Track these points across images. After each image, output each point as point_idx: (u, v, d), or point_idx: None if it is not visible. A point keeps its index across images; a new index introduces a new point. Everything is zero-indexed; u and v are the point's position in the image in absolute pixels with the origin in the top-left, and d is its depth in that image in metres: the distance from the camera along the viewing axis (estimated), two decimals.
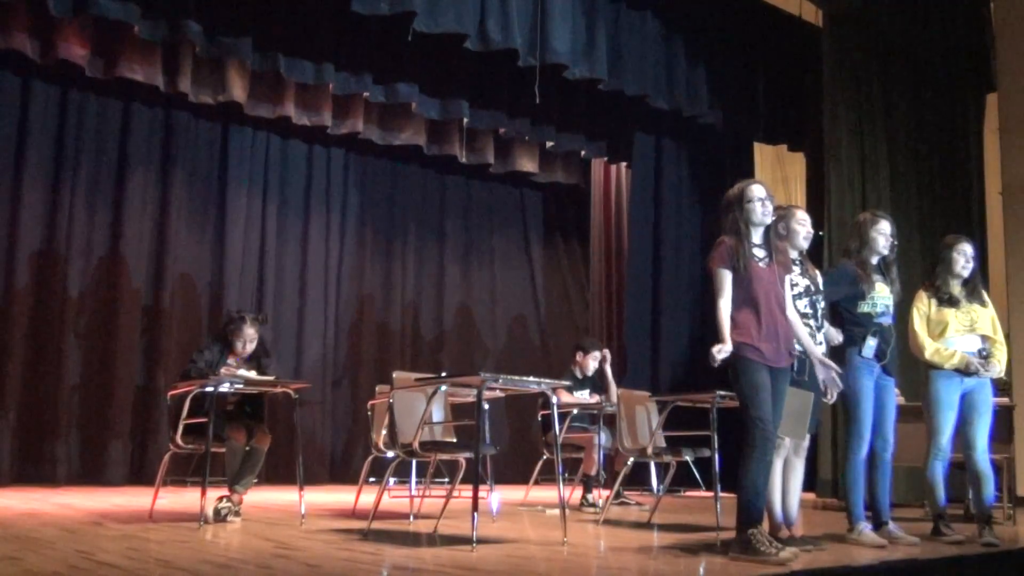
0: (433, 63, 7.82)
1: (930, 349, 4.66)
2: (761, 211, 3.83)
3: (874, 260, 4.61)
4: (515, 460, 8.85)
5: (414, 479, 5.89)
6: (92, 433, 7.61)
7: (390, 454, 4.73)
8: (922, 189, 8.10)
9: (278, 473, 7.89)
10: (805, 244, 4.33)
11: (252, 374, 5.05)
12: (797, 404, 4.03)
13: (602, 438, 6.40)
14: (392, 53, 7.59)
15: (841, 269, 4.67)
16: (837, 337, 4.45)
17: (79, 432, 7.59)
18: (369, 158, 9.47)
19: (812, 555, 3.81)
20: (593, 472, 6.46)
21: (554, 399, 4.71)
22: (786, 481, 4.22)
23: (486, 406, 4.67)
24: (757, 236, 3.87)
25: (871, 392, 4.47)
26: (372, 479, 6.04)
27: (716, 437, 4.64)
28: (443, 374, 5.01)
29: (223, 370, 4.96)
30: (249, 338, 5.14)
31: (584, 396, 6.76)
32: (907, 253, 7.27)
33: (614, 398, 6.33)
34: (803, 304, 4.21)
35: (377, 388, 5.57)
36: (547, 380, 4.51)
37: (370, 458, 5.61)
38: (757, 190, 3.86)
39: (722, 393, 4.51)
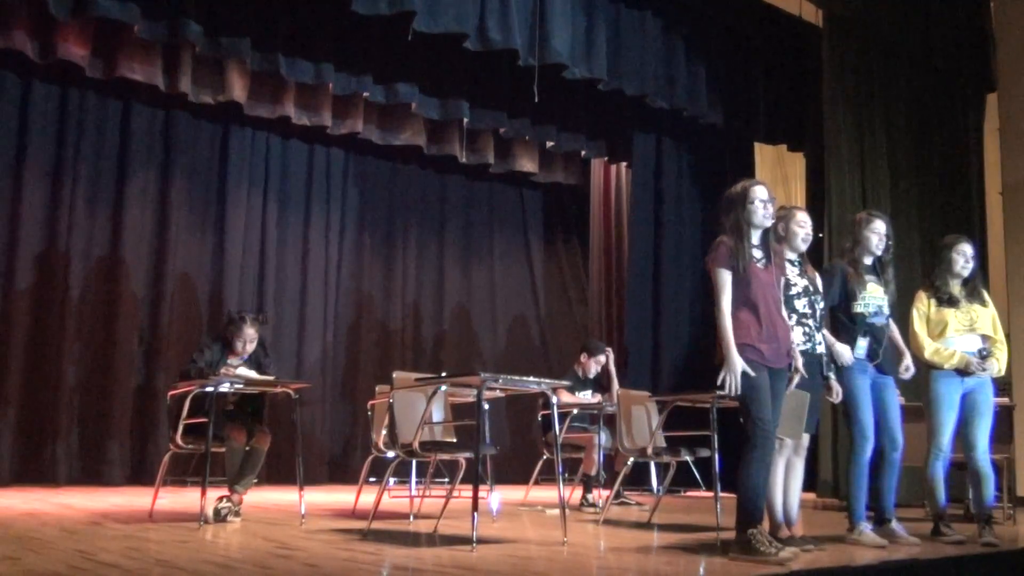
0: (433, 63, 7.82)
1: (930, 349, 4.66)
2: (763, 213, 3.82)
3: (868, 260, 4.59)
4: (515, 460, 8.85)
5: (414, 479, 5.90)
6: (92, 433, 7.61)
7: (390, 454, 4.72)
8: (922, 189, 8.09)
9: (278, 473, 7.89)
10: (804, 246, 4.30)
11: (252, 374, 5.06)
12: (793, 404, 4.04)
13: (602, 438, 6.40)
14: (392, 53, 7.58)
15: (831, 269, 4.67)
16: (845, 356, 4.43)
17: (79, 432, 7.59)
18: (369, 158, 9.47)
19: (812, 555, 3.81)
20: (593, 472, 6.46)
21: (554, 399, 4.71)
22: (787, 481, 4.22)
23: (486, 406, 4.66)
24: (756, 237, 3.87)
25: (868, 392, 4.47)
26: (372, 479, 6.03)
27: (716, 437, 4.63)
28: (443, 374, 5.00)
29: (223, 370, 4.96)
30: (249, 338, 5.14)
31: (586, 396, 6.77)
32: (907, 253, 7.28)
33: (615, 398, 6.33)
34: (802, 304, 4.19)
35: (377, 388, 5.57)
36: (547, 380, 4.51)
37: (370, 458, 5.61)
38: (760, 191, 3.84)
39: (722, 393, 4.50)
